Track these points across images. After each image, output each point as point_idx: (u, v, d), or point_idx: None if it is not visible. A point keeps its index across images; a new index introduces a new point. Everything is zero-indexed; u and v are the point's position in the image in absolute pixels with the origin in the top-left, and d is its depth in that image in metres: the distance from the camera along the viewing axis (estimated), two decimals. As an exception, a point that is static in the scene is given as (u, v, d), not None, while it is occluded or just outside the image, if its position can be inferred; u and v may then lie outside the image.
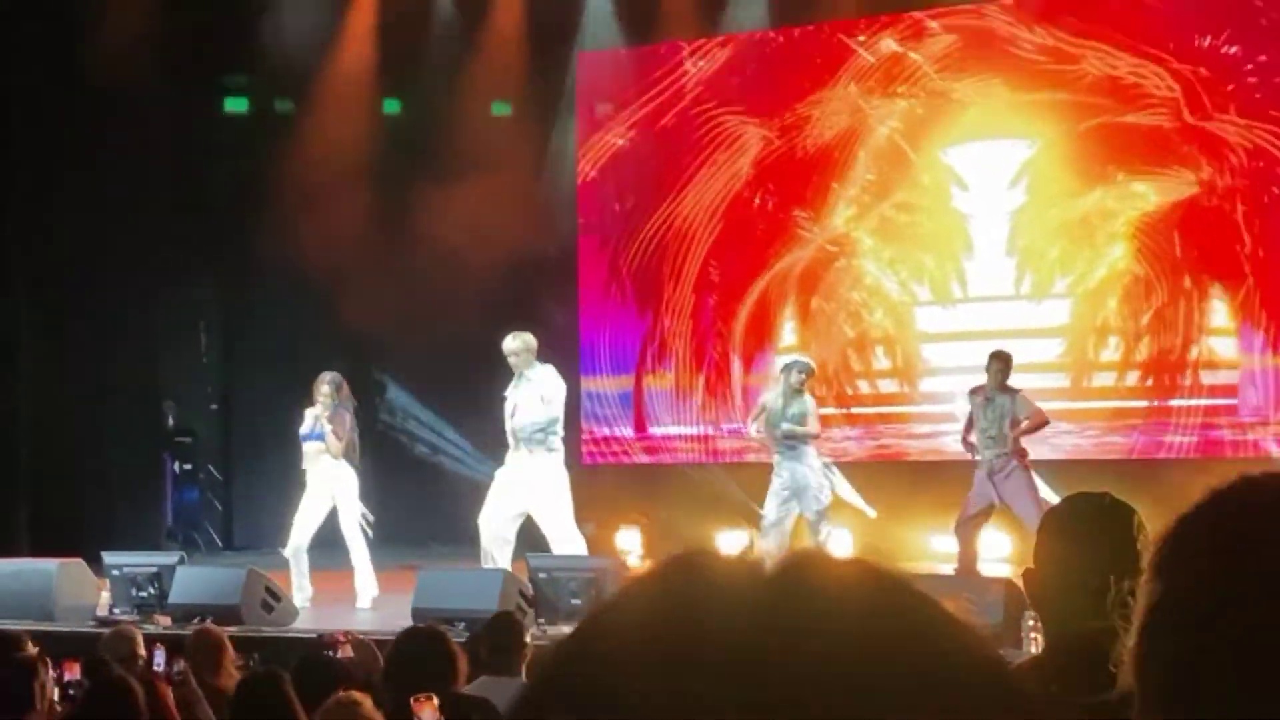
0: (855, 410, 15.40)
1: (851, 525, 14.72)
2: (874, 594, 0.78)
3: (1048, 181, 14.66)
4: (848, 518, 14.66)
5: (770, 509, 11.90)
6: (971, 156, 14.96)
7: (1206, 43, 14.08)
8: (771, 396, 12.04)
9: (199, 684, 6.24)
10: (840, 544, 11.71)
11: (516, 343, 11.69)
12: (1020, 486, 11.43)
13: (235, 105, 17.21)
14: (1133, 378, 14.40)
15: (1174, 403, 14.15)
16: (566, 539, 11.34)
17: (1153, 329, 14.27)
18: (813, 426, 11.94)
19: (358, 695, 4.97)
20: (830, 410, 15.36)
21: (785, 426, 11.81)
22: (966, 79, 14.92)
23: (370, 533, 11.89)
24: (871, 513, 14.59)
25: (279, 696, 5.23)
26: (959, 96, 14.97)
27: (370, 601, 11.71)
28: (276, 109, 16.88)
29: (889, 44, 15.32)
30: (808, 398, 11.93)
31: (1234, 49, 14.02)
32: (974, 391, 11.81)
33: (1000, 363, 11.73)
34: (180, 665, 6.48)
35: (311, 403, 12.00)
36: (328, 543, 12.06)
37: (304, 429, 11.97)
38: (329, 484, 11.84)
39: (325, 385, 11.99)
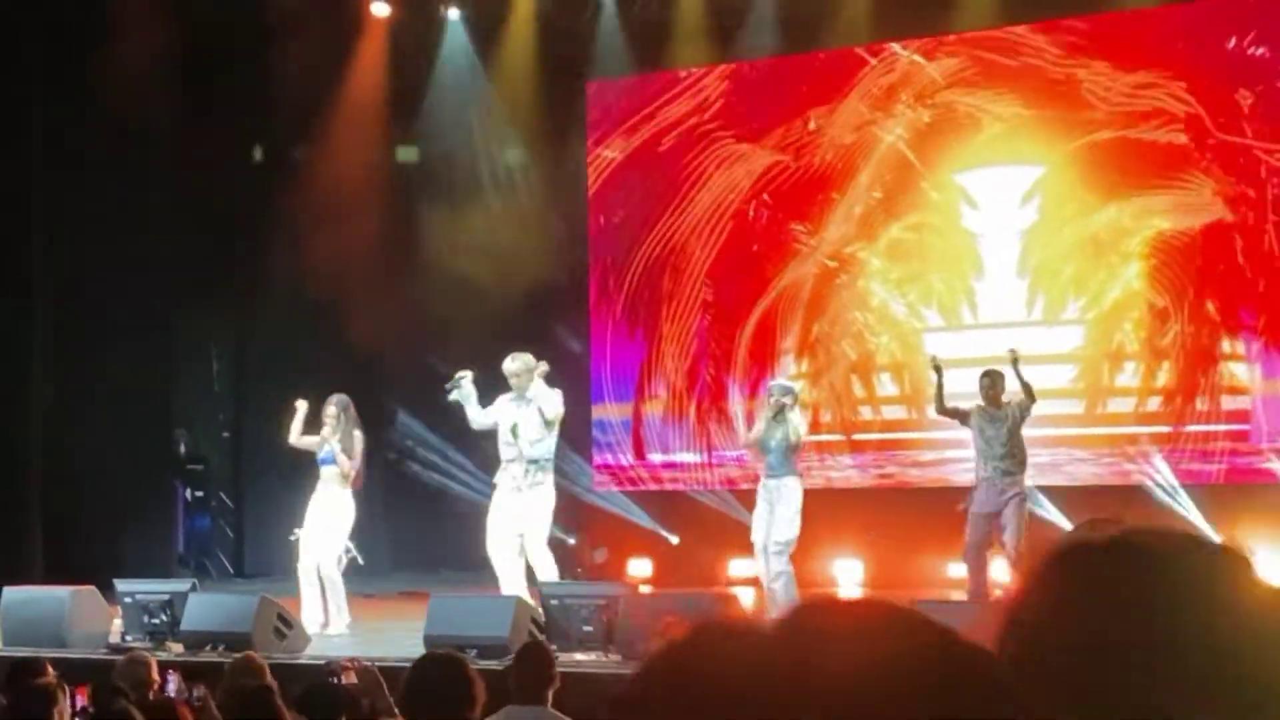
0: (861, 436, 15.37)
1: (864, 554, 14.73)
2: (883, 633, 0.88)
3: (1061, 200, 14.63)
4: (861, 547, 14.66)
5: (757, 534, 11.79)
6: (982, 176, 14.95)
7: (1225, 52, 14.07)
8: (760, 422, 12.00)
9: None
10: (789, 590, 11.55)
11: (516, 364, 11.76)
12: (1016, 513, 11.42)
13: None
14: (1152, 403, 14.34)
15: (1189, 429, 14.10)
16: (540, 561, 11.36)
17: (1168, 353, 14.23)
18: (792, 439, 11.72)
19: None
20: (837, 437, 15.36)
21: (773, 444, 11.71)
22: (979, 94, 14.93)
23: (346, 565, 11.94)
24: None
25: (268, 708, 5.22)
26: (969, 114, 14.97)
27: (346, 628, 11.72)
28: (293, 155, 16.93)
29: (900, 62, 15.34)
30: (792, 419, 11.77)
31: (1260, 51, 13.99)
32: (976, 411, 11.81)
33: (990, 380, 11.78)
34: (200, 691, 6.48)
35: (319, 428, 12.08)
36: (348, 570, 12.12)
37: (320, 453, 12.06)
38: (328, 507, 11.92)
39: (332, 407, 12.07)
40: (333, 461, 11.96)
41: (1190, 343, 14.14)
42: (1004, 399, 11.72)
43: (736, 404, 15.84)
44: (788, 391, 11.99)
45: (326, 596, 11.84)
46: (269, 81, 15.89)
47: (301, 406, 12.25)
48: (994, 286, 14.94)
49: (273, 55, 15.65)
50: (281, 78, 15.69)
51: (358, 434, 12.08)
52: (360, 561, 11.97)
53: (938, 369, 11.89)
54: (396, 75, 16.95)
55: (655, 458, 16.19)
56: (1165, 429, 14.21)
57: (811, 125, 15.66)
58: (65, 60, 15.73)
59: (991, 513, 11.43)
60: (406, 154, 17.19)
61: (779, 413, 11.68)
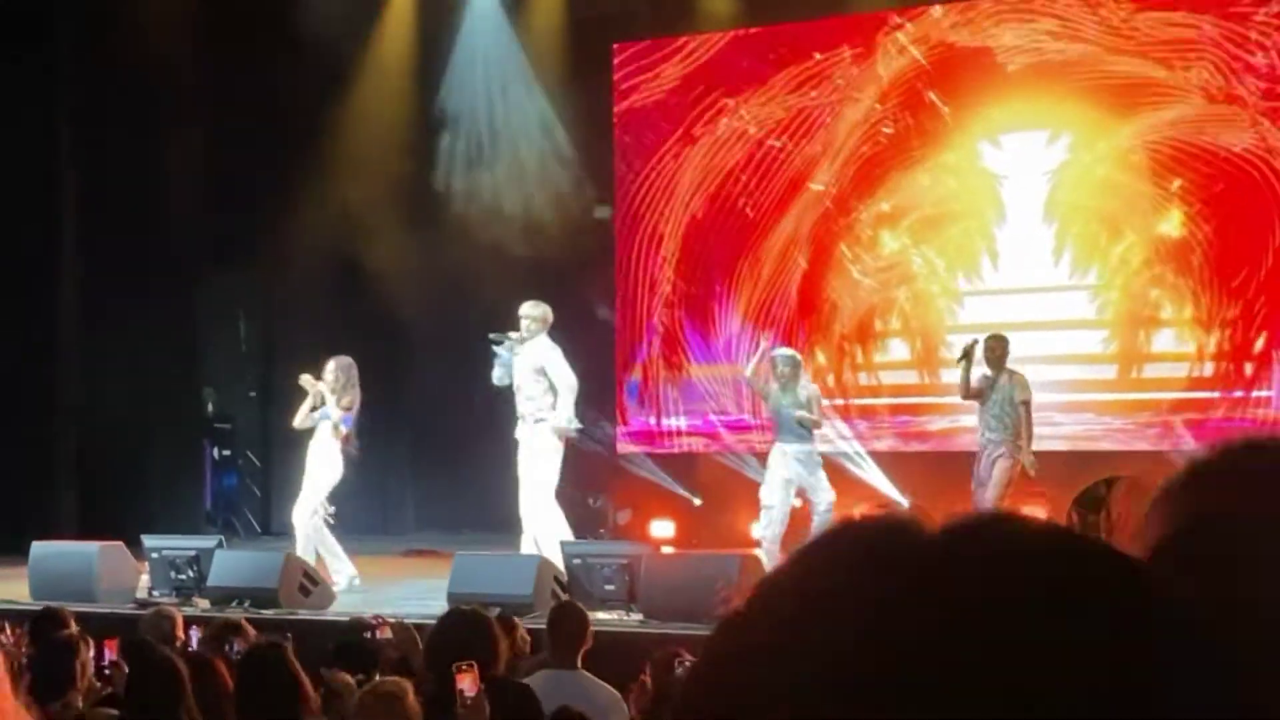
0: (876, 401, 15.38)
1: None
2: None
3: (1091, 141, 14.56)
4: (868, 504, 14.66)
5: (774, 496, 11.92)
6: (1009, 130, 14.92)
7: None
8: (770, 390, 12.12)
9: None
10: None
11: (537, 310, 11.89)
12: (1000, 472, 11.51)
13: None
14: (1185, 368, 14.33)
15: (1226, 394, 14.10)
16: (541, 521, 11.51)
17: (1197, 318, 14.19)
18: (817, 413, 12.05)
19: (401, 684, 5.02)
20: (864, 400, 15.37)
21: (797, 413, 11.87)
22: (1007, 30, 14.87)
23: (330, 521, 12.01)
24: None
25: (282, 664, 5.30)
26: (989, 52, 14.91)
27: (353, 580, 11.81)
28: (321, 117, 16.96)
29: (926, 21, 15.30)
30: (804, 386, 11.98)
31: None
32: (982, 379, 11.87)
33: (997, 344, 11.86)
34: (239, 645, 6.57)
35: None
36: (370, 527, 12.22)
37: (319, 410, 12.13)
38: (316, 457, 12.02)
39: (331, 363, 12.20)
40: (328, 417, 12.06)
41: (1224, 307, 14.08)
42: (1005, 368, 11.78)
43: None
44: (789, 361, 12.10)
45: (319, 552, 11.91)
46: (297, 44, 15.93)
47: (309, 384, 12.25)
48: (1018, 241, 14.83)
49: (300, 16, 15.70)
50: (309, 40, 15.74)
51: (356, 392, 12.15)
52: (331, 522, 12.00)
53: (967, 355, 11.84)
54: (423, 36, 16.97)
55: (679, 421, 16.23)
56: (1202, 394, 14.16)
57: (839, 80, 15.61)
58: (92, 27, 15.83)
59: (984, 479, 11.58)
60: (433, 113, 17.19)
61: (785, 383, 11.81)
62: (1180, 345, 14.31)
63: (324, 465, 12.05)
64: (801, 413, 11.90)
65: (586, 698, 6.18)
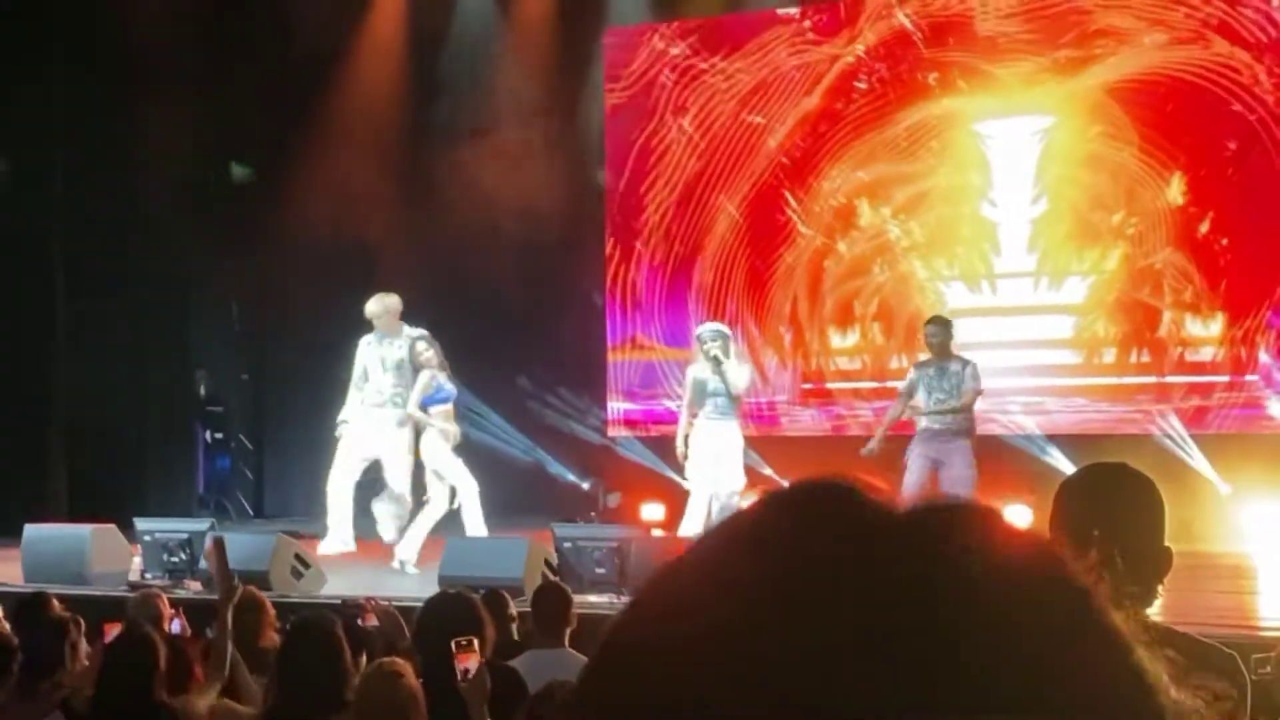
0: (870, 385, 15.45)
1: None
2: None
3: (1075, 138, 14.64)
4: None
5: (696, 478, 11.66)
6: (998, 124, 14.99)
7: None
8: (697, 368, 11.81)
9: (242, 645, 6.39)
10: None
11: (378, 305, 12.03)
12: (962, 451, 11.35)
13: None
14: (1162, 351, 14.42)
15: (1198, 379, 14.19)
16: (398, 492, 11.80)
17: (1193, 299, 14.25)
18: (736, 387, 11.62)
19: (400, 664, 5.08)
20: (868, 384, 15.44)
21: (709, 391, 11.62)
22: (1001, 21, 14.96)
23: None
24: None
25: (331, 637, 5.37)
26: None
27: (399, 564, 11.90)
28: (313, 103, 16.97)
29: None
30: (728, 367, 11.56)
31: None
32: (922, 365, 11.67)
33: (933, 328, 11.68)
34: (209, 631, 6.63)
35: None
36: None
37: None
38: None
39: (423, 344, 12.18)
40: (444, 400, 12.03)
41: (1209, 288, 14.17)
42: (955, 354, 11.56)
43: (759, 350, 15.93)
44: (718, 336, 11.71)
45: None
46: (287, 26, 15.96)
47: (424, 375, 12.10)
48: (1009, 237, 14.97)
49: (291, 8, 15.74)
50: (301, 22, 15.77)
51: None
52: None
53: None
54: (415, 18, 16.98)
55: (668, 404, 16.28)
56: (1179, 379, 14.27)
57: (849, 55, 15.65)
58: (80, 9, 15.85)
59: (934, 458, 11.35)
60: (426, 94, 17.21)
61: (717, 359, 11.54)
62: (1178, 329, 14.35)
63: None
64: (716, 387, 11.58)
65: (574, 675, 6.22)
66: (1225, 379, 14.10)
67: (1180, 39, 14.27)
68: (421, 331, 12.19)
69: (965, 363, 11.51)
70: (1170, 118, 14.28)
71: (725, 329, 12.02)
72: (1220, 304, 14.15)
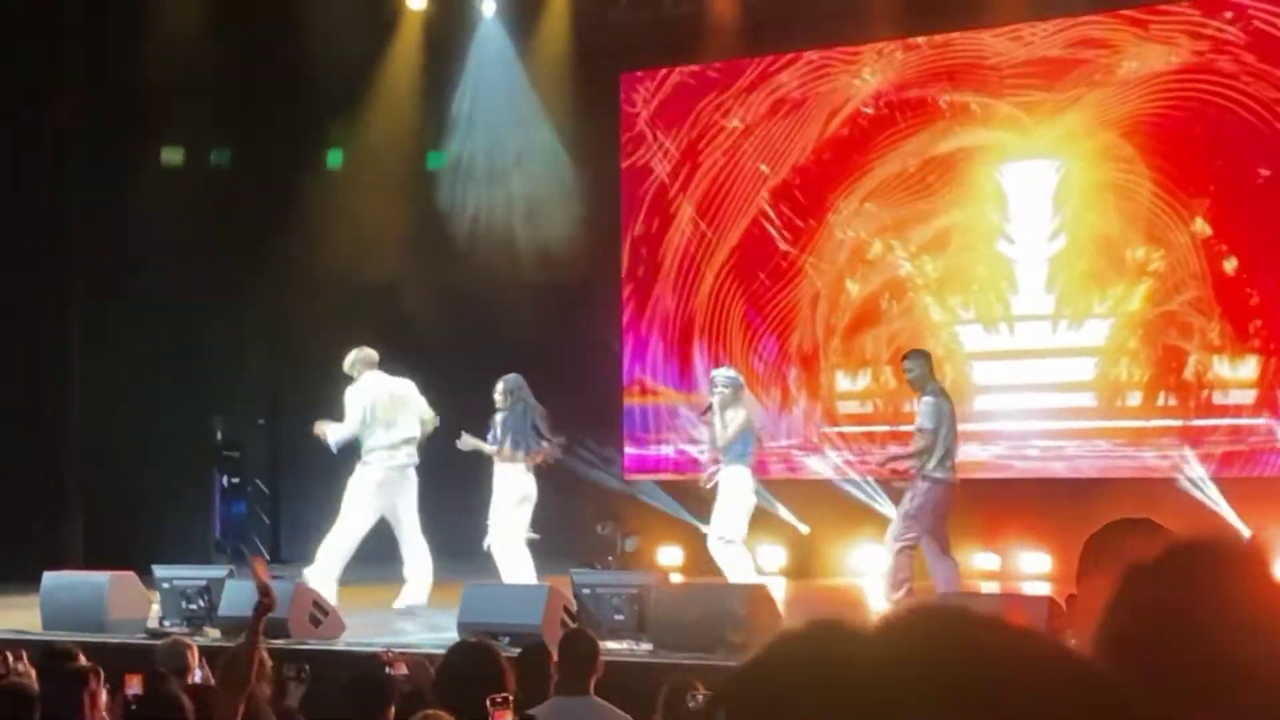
0: (883, 429, 15.41)
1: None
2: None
3: (1094, 172, 14.59)
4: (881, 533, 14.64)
5: (745, 522, 11.68)
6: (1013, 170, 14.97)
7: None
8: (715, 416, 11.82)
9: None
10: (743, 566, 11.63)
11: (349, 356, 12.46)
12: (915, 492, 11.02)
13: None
14: (1175, 396, 14.33)
15: (1218, 421, 14.10)
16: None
17: (1213, 341, 14.16)
18: (723, 436, 11.63)
19: (445, 716, 5.05)
20: (883, 428, 15.37)
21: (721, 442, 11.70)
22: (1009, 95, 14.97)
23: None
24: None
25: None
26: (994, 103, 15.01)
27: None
28: (330, 143, 17.04)
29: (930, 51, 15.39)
30: (727, 413, 11.61)
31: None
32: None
33: (913, 361, 11.34)
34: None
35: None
36: (373, 556, 12.26)
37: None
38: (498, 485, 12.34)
39: (499, 384, 12.38)
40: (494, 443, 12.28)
41: (1232, 329, 14.07)
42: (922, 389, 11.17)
43: (773, 392, 15.90)
44: (725, 383, 11.76)
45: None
46: (306, 71, 16.01)
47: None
48: (1027, 273, 14.91)
49: (310, 43, 15.78)
50: (319, 65, 15.82)
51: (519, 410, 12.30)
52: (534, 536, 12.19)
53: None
54: (431, 66, 17.04)
55: (680, 447, 16.26)
56: (1196, 422, 14.17)
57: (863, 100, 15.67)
58: (99, 44, 15.93)
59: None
60: (438, 160, 17.26)
61: (723, 405, 11.59)
62: (1204, 370, 14.24)
63: (501, 495, 12.27)
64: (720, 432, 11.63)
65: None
66: (1256, 422, 13.93)
67: (1203, 63, 14.12)
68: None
69: (922, 399, 11.15)
70: (1196, 144, 14.10)
71: (733, 375, 12.03)
72: (1250, 344, 14.02)
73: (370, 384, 12.42)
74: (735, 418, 11.70)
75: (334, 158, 17.12)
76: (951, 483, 10.98)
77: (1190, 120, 14.15)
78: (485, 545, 12.15)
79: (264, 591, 6.06)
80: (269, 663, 7.15)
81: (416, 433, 12.46)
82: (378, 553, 12.50)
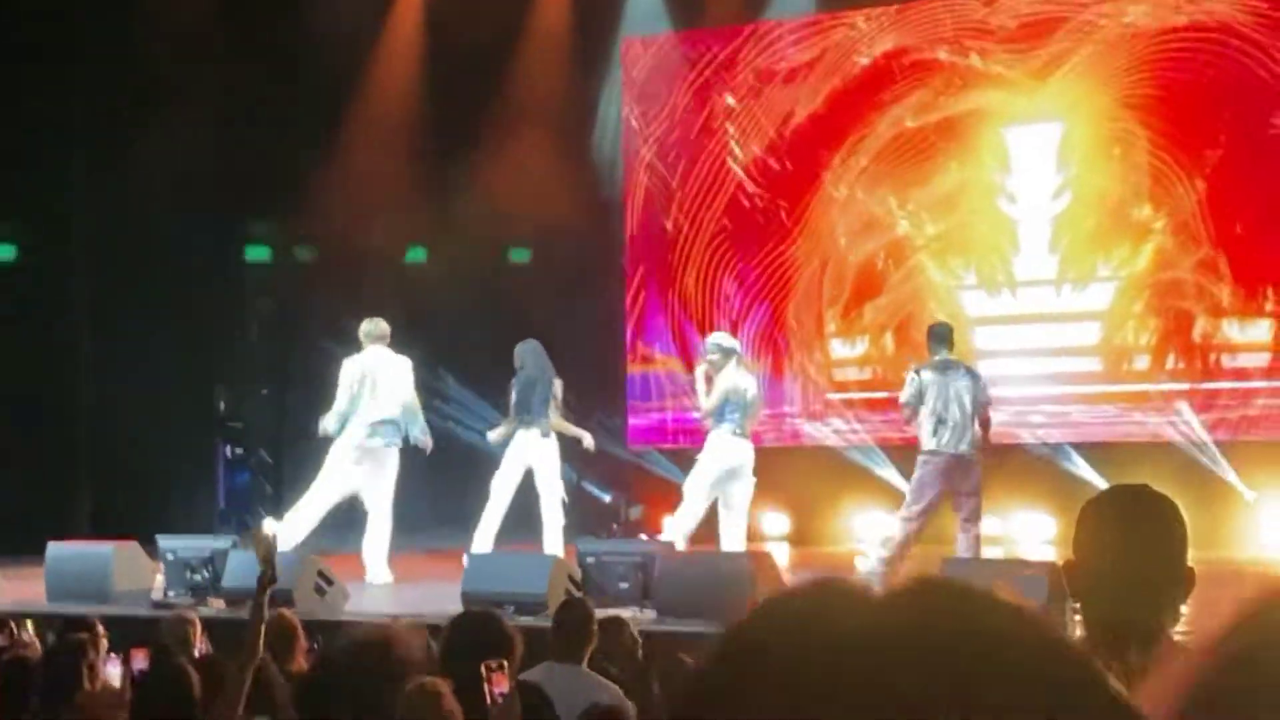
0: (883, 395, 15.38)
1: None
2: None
3: (1100, 128, 14.48)
4: (884, 499, 14.65)
5: (701, 488, 11.65)
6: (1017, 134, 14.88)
7: None
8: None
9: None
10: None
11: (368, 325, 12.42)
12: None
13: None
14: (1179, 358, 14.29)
15: (1221, 384, 14.06)
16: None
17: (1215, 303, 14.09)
18: (706, 402, 11.60)
19: (440, 683, 5.05)
20: (883, 394, 15.34)
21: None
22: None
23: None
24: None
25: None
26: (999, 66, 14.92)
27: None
28: (333, 114, 16.97)
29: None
30: (723, 375, 11.52)
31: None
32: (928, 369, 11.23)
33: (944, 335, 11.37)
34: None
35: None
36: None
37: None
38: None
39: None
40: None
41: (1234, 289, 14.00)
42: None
43: (770, 358, 15.88)
44: (717, 349, 11.70)
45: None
46: (309, 33, 15.95)
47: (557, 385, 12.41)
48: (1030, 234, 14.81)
49: (307, 21, 15.74)
50: (322, 29, 15.76)
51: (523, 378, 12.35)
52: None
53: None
54: (433, 22, 16.96)
55: (686, 415, 16.23)
56: (1205, 385, 14.09)
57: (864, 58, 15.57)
58: (106, 16, 15.90)
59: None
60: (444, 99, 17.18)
61: (710, 369, 11.56)
62: (1212, 332, 14.16)
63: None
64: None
65: (589, 696, 6.18)
66: (1266, 385, 13.86)
67: (1215, 12, 13.93)
68: None
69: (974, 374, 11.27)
70: (1204, 95, 13.90)
71: (723, 342, 11.89)
72: (1261, 306, 13.92)
73: (367, 357, 12.36)
74: (719, 385, 11.60)
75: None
76: (944, 455, 10.93)
77: (1199, 70, 13.94)
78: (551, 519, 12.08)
79: (266, 563, 6.05)
80: (301, 633, 7.17)
81: (395, 415, 12.31)
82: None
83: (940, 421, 10.96)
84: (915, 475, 11.10)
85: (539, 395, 12.25)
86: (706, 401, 11.63)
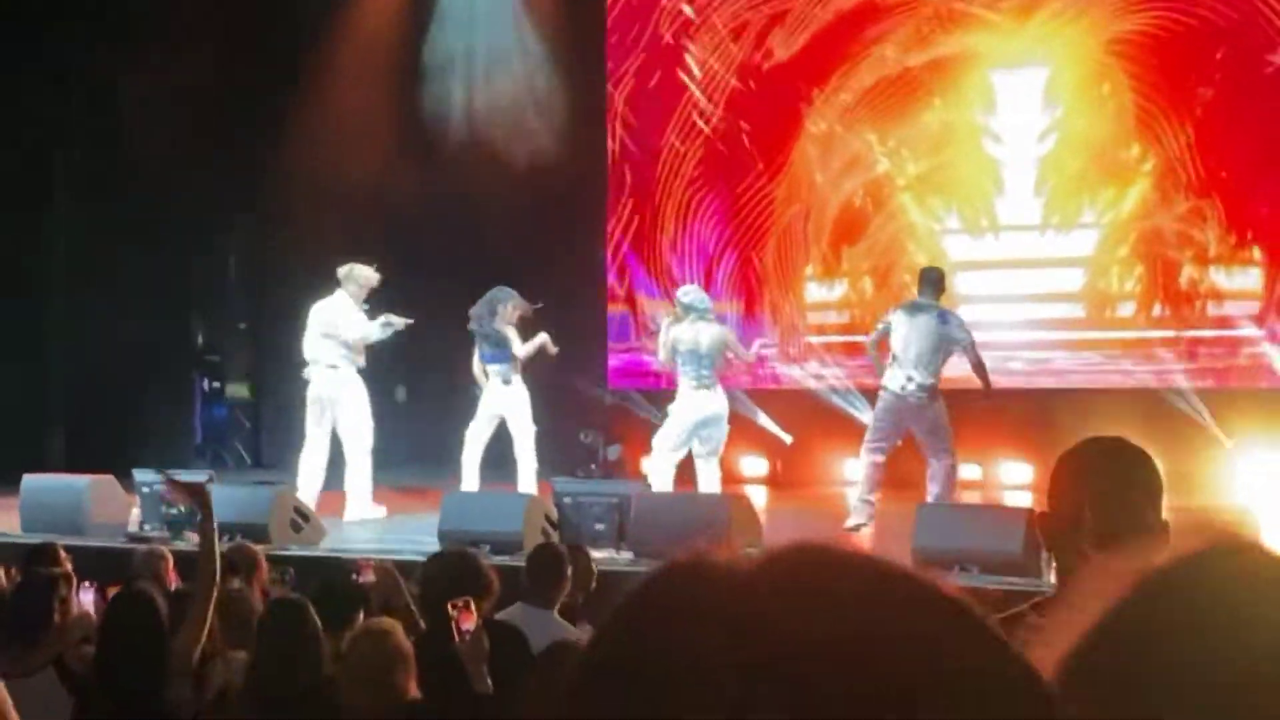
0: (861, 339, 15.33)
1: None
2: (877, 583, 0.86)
3: (1089, 66, 14.37)
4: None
5: (674, 435, 11.63)
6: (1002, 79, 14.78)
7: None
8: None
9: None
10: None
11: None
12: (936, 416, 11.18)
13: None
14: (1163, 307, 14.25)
15: (1204, 333, 14.03)
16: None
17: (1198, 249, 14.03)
18: (662, 353, 11.71)
19: (389, 622, 5.04)
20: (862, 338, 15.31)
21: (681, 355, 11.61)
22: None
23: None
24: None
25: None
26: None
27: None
28: (313, 49, 16.84)
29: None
30: (675, 330, 11.55)
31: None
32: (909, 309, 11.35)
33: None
34: (236, 582, 6.57)
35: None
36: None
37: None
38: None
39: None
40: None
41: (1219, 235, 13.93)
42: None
43: (746, 301, 15.83)
44: (679, 302, 11.66)
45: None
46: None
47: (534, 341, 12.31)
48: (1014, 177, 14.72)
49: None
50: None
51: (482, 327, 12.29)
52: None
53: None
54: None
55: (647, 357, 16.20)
56: (1190, 333, 14.05)
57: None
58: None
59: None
60: (429, 45, 17.07)
61: (671, 322, 11.57)
62: (1199, 280, 14.09)
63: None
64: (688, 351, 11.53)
65: (556, 639, 6.17)
66: (1250, 333, 13.81)
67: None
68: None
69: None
70: (1197, 31, 13.72)
71: (685, 296, 11.75)
72: (1249, 254, 13.80)
73: (329, 299, 12.30)
74: (671, 338, 11.56)
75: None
76: (890, 393, 11.19)
77: (1190, 6, 13.73)
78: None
79: (195, 501, 6.02)
80: (264, 565, 7.16)
81: (317, 355, 12.16)
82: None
83: (894, 360, 11.20)
84: (874, 411, 11.45)
85: (490, 344, 12.18)
86: (662, 353, 11.71)
